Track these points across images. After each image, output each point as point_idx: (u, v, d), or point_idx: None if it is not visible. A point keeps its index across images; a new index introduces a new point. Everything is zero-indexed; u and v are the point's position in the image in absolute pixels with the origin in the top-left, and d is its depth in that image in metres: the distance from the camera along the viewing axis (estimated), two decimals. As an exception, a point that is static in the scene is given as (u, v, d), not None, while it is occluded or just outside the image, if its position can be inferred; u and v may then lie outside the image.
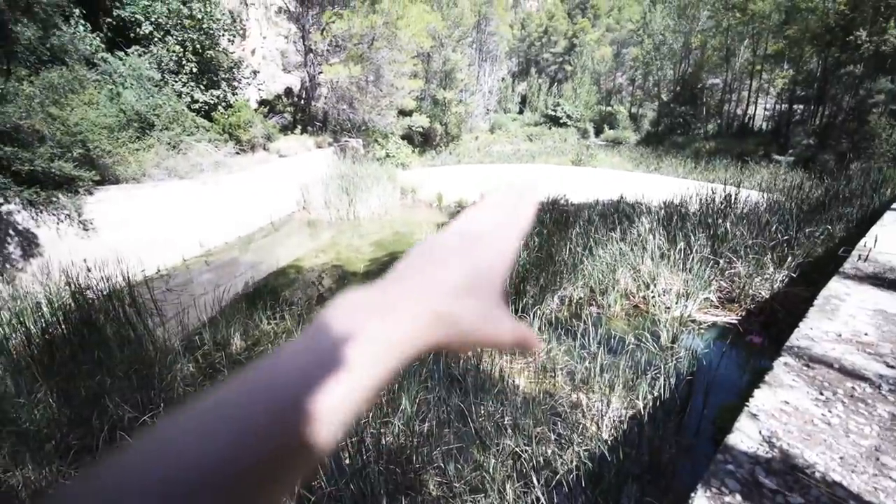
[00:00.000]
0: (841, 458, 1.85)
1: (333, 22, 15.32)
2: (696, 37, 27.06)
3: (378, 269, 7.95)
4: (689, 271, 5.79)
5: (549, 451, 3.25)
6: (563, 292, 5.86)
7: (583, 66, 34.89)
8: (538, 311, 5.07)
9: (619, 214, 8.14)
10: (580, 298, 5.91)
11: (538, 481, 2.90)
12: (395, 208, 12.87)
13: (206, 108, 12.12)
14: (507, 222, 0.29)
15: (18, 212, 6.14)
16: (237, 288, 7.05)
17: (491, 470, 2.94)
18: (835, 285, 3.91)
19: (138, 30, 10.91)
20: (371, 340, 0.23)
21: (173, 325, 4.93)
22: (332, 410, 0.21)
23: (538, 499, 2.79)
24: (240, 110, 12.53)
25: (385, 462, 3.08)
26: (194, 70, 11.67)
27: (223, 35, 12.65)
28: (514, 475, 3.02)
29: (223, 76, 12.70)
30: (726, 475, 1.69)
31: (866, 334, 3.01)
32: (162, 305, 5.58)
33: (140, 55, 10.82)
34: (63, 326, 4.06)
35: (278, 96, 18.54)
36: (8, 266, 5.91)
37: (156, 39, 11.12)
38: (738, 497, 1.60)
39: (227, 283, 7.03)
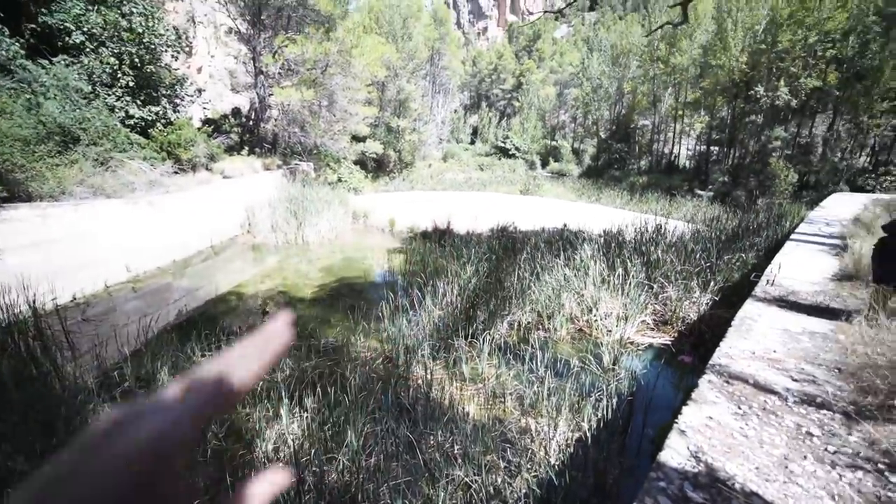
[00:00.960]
0: (756, 468, 2.01)
1: (286, 46, 15.24)
2: (627, 83, 29.94)
3: (327, 295, 7.70)
4: (627, 295, 6.17)
5: (499, 480, 3.23)
6: (513, 317, 5.99)
7: (529, 102, 37.17)
8: (488, 336, 5.13)
9: (563, 241, 8.56)
10: (528, 323, 6.06)
11: (487, 512, 2.86)
12: (347, 233, 12.65)
13: (143, 124, 11.41)
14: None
15: None
16: (168, 317, 6.49)
17: None
18: (748, 307, 4.34)
19: (67, 38, 10.17)
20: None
21: (87, 360, 4.42)
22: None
23: (487, 530, 2.74)
24: (181, 128, 11.91)
25: (327, 501, 2.90)
26: (131, 84, 11.01)
27: (166, 51, 12.12)
28: (463, 507, 2.96)
29: (164, 92, 12.08)
30: (658, 492, 1.78)
31: (775, 351, 3.34)
32: (76, 338, 5.00)
33: (67, 65, 10.05)
34: (-53, 364, 3.50)
35: (225, 116, 17.89)
36: None
37: (87, 50, 10.41)
38: (670, 512, 1.68)
39: (157, 312, 6.45)
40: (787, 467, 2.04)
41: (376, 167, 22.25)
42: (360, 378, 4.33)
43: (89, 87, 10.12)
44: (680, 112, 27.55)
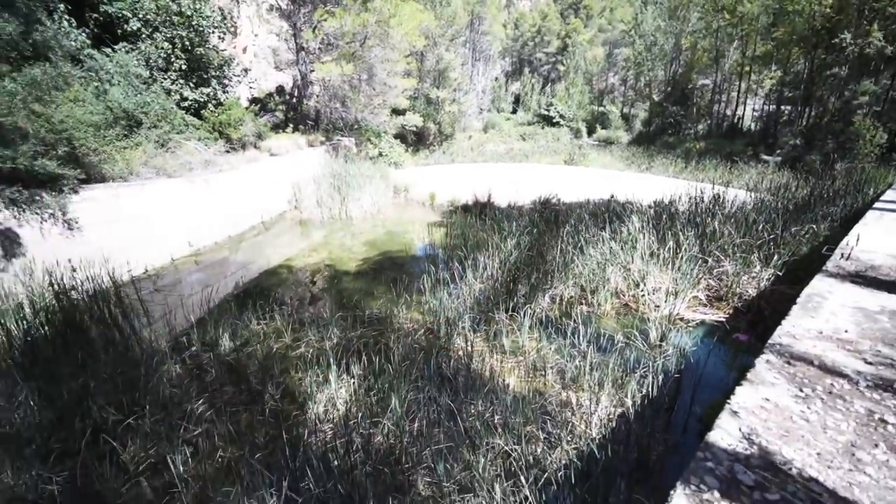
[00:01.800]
0: (818, 454, 1.88)
1: (325, 20, 15.22)
2: (686, 38, 27.30)
3: (370, 268, 7.93)
4: (678, 270, 5.85)
5: (539, 450, 3.27)
6: (554, 291, 5.89)
7: (575, 66, 35.03)
8: (529, 310, 5.09)
9: (609, 213, 8.19)
10: (571, 297, 5.94)
11: (527, 480, 2.92)
12: (388, 207, 12.84)
13: (196, 106, 11.98)
14: None
15: (0, 211, 6.03)
16: (227, 288, 6.99)
17: (480, 469, 2.95)
18: (817, 283, 3.97)
19: (126, 26, 10.74)
20: None
21: (160, 326, 4.88)
22: None
23: (527, 498, 2.80)
24: (230, 108, 12.40)
25: (374, 463, 3.08)
26: (183, 67, 11.52)
27: (213, 32, 12.50)
28: (503, 474, 3.04)
29: (213, 74, 12.56)
30: (706, 472, 1.71)
31: (846, 331, 3.06)
32: (149, 306, 5.51)
33: (128, 52, 10.65)
34: (46, 328, 4.00)
35: (270, 94, 18.39)
36: (-9, 266, 5.80)
37: (144, 36, 10.96)
38: (717, 494, 1.62)
39: (217, 284, 6.97)
40: (853, 455, 1.90)
41: (416, 140, 22.16)
42: (403, 348, 4.48)
43: (147, 73, 10.71)
44: (746, 68, 24.90)
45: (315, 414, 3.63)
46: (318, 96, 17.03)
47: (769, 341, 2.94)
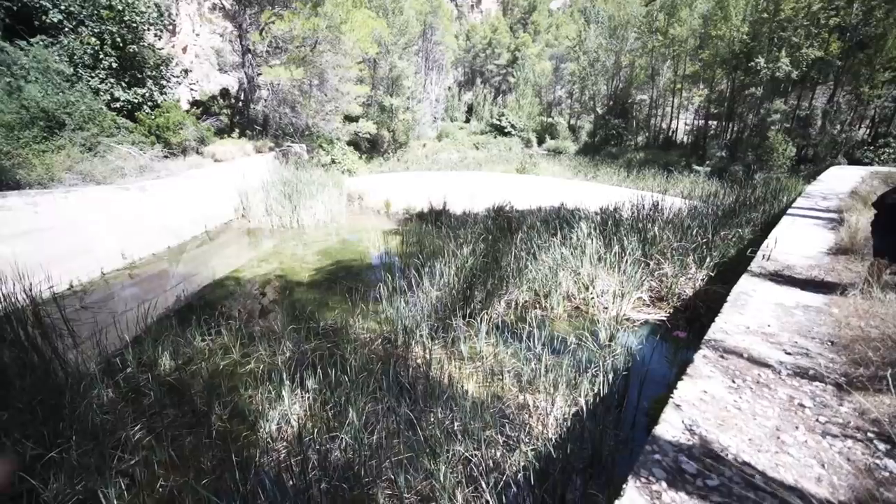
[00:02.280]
0: (749, 439, 2.06)
1: (273, 22, 14.76)
2: (625, 55, 29.29)
3: (324, 278, 7.70)
4: (624, 273, 6.20)
5: (498, 454, 3.31)
6: (510, 296, 6.02)
7: (525, 78, 36.40)
8: (485, 316, 5.17)
9: (560, 220, 8.54)
10: (525, 302, 6.11)
11: (487, 485, 2.94)
12: (342, 215, 12.57)
13: (130, 107, 11.14)
14: None
15: None
16: (167, 302, 6.50)
17: (441, 478, 2.94)
18: (744, 283, 4.37)
19: (45, 17, 9.81)
20: None
21: (89, 347, 4.44)
22: None
23: (488, 502, 2.82)
24: (169, 111, 11.65)
25: (331, 479, 2.97)
26: (114, 65, 10.69)
27: (148, 29, 11.73)
28: (464, 481, 3.04)
29: (149, 73, 11.76)
30: (654, 464, 1.82)
31: (769, 325, 3.39)
32: (75, 325, 5.00)
33: (47, 46, 9.72)
34: (-54, 355, 3.51)
35: (213, 97, 17.48)
36: None
37: (66, 29, 10.06)
38: (664, 484, 1.73)
39: (155, 298, 6.45)
40: (779, 438, 2.10)
41: (370, 148, 21.95)
42: (360, 359, 4.38)
43: (71, 69, 9.83)
44: (678, 85, 27.10)
45: (267, 433, 3.45)
46: (266, 101, 16.41)
47: (705, 337, 3.19)
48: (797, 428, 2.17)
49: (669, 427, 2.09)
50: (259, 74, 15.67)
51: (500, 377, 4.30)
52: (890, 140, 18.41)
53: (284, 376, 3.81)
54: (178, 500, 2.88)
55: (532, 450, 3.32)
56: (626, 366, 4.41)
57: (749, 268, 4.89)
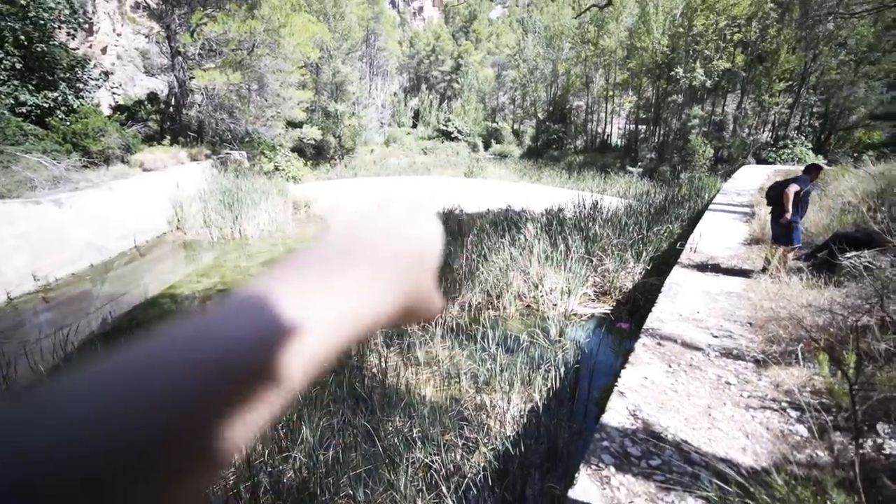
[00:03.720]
0: (686, 418, 2.24)
1: (205, 24, 13.95)
2: (561, 64, 30.89)
3: (271, 291, 7.35)
4: (570, 270, 6.50)
5: (458, 457, 3.32)
6: (463, 298, 6.10)
7: (469, 84, 37.22)
8: (439, 319, 5.19)
9: (507, 222, 8.79)
10: (479, 303, 6.21)
11: (448, 490, 2.95)
12: (288, 224, 12.08)
13: (39, 112, 10.01)
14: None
15: None
16: (90, 327, 5.89)
17: (402, 487, 2.90)
18: (675, 274, 4.75)
19: (-73, 12, 8.60)
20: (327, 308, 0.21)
21: (-6, 384, 3.91)
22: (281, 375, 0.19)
23: (449, 506, 2.83)
24: (87, 116, 10.61)
25: (285, 502, 2.84)
26: (17, 66, 9.58)
27: (59, 27, 10.63)
28: (425, 488, 3.03)
29: (62, 76, 10.65)
30: (603, 451, 1.93)
31: (698, 312, 3.71)
32: (-24, 360, 4.39)
33: (-70, 44, 8.51)
34: None
35: (140, 102, 16.17)
36: None
37: (-45, 26, 8.88)
38: (612, 469, 1.83)
39: (76, 323, 5.82)
40: (710, 415, 2.30)
41: (316, 154, 21.33)
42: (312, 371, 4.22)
43: (-37, 70, 8.68)
44: (610, 93, 28.96)
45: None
46: (200, 106, 15.43)
47: (644, 326, 3.42)
48: (725, 404, 2.40)
49: (615, 414, 2.22)
50: (192, 78, 14.70)
51: (457, 380, 4.34)
52: (787, 142, 20.90)
53: (230, 397, 3.58)
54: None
55: (491, 450, 3.37)
56: (575, 359, 4.62)
57: (679, 260, 5.32)
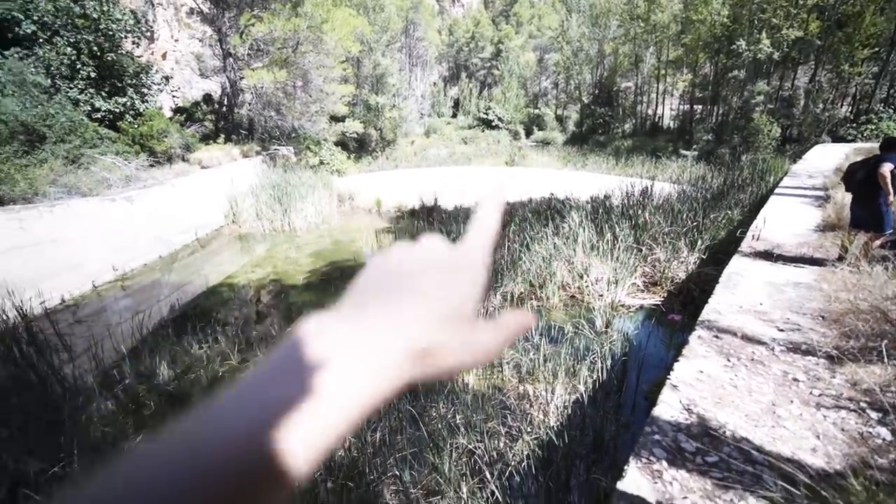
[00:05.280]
0: (746, 415, 2.11)
1: (253, 25, 14.57)
2: (608, 44, 29.37)
3: (319, 280, 7.68)
4: (617, 259, 6.25)
5: (501, 445, 3.34)
6: (505, 289, 6.06)
7: (510, 70, 36.36)
8: (481, 310, 5.19)
9: (551, 211, 8.58)
10: (521, 293, 6.14)
11: (492, 475, 2.97)
12: (333, 217, 12.51)
13: (111, 117, 10.96)
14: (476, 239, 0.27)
15: None
16: (161, 312, 6.44)
17: (446, 471, 2.96)
18: (735, 263, 4.44)
19: (17, 29, 9.59)
20: (346, 374, 0.20)
21: (85, 361, 4.39)
22: (302, 447, 0.19)
23: (493, 493, 2.85)
24: (151, 119, 11.48)
25: (336, 479, 2.99)
26: (92, 75, 10.51)
27: (126, 37, 11.53)
28: (469, 473, 3.07)
29: (129, 82, 11.57)
30: (654, 444, 1.86)
31: (761, 304, 3.45)
32: (70, 339, 4.95)
33: (21, 58, 9.52)
34: (-61, 376, 3.46)
35: (196, 103, 17.25)
36: None
37: (41, 41, 9.85)
38: (665, 463, 1.76)
39: (149, 308, 6.40)
40: (774, 412, 2.15)
41: (358, 147, 21.83)
42: (360, 359, 4.37)
43: (48, 81, 9.64)
44: (662, 71, 27.23)
45: (270, 437, 3.44)
46: (250, 104, 16.23)
47: (699, 318, 3.24)
48: (792, 402, 2.23)
49: (668, 408, 2.12)
50: (242, 78, 15.48)
51: (500, 369, 4.34)
52: (871, 117, 18.68)
53: (285, 380, 3.80)
54: None
55: (534, 439, 3.36)
56: (623, 351, 4.47)
57: (739, 248, 4.96)
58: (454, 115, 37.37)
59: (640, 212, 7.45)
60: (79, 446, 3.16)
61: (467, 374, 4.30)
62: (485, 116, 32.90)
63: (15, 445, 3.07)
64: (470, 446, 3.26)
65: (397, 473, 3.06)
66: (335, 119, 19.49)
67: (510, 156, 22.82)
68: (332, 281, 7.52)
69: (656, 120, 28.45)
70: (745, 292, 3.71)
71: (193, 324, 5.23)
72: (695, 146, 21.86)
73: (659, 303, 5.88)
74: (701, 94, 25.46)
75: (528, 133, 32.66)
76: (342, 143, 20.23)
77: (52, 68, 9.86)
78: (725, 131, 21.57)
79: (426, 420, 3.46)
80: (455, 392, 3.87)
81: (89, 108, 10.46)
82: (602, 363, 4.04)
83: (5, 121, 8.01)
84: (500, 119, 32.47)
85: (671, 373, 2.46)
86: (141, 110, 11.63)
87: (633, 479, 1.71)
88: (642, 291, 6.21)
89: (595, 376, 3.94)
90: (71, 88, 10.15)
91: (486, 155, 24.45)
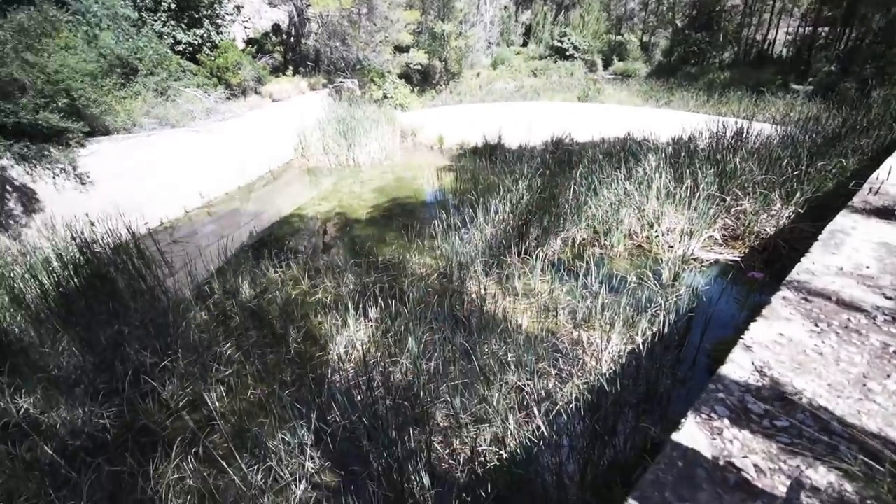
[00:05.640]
0: (829, 384, 1.93)
1: (318, -55, 13.94)
2: (717, -50, 24.51)
3: (381, 215, 7.93)
4: (695, 209, 5.72)
5: (550, 385, 3.42)
6: (567, 234, 5.85)
7: (592, -11, 32.01)
8: (541, 253, 5.10)
9: (625, 153, 7.90)
10: (583, 239, 5.91)
11: (539, 411, 3.08)
12: (396, 152, 12.54)
13: (191, 49, 11.44)
14: None
15: (12, 167, 6.04)
16: (242, 238, 7.09)
17: (495, 402, 3.12)
18: (841, 220, 3.86)
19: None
20: None
21: (182, 276, 5.03)
22: None
23: (539, 427, 2.98)
24: (226, 51, 11.82)
25: (394, 398, 3.27)
26: (172, 6, 10.86)
27: (199, -36, 11.60)
28: (517, 407, 3.21)
29: (204, 13, 11.83)
30: (716, 402, 1.78)
31: (868, 267, 3.01)
32: (169, 257, 5.66)
33: (112, -9, 10.01)
34: (75, 280, 4.15)
35: (266, 34, 17.38)
36: (12, 222, 5.93)
37: (127, -28, 10.24)
38: (726, 421, 1.69)
39: (231, 234, 7.07)
40: (864, 385, 1.94)
41: (422, 80, 21.09)
42: (418, 292, 4.58)
43: (136, 14, 10.14)
44: (783, -16, 22.53)
45: (337, 355, 3.81)
46: (316, 34, 16.05)
47: (787, 278, 2.92)
48: (888, 376, 1.99)
49: (737, 367, 2.00)
50: (308, 6, 15.20)
51: (555, 313, 4.32)
52: None
53: (349, 306, 4.11)
54: (266, 406, 3.34)
55: (584, 383, 3.39)
56: (689, 307, 4.22)
57: (850, 202, 4.29)
58: (524, 44, 34.36)
59: (729, 156, 6.62)
60: (182, 347, 3.72)
61: (521, 317, 4.35)
62: (559, 45, 29.87)
63: (135, 341, 3.69)
64: (519, 383, 3.37)
65: (448, 400, 3.28)
66: (399, 49, 18.77)
67: (584, 90, 20.87)
68: (393, 217, 7.72)
69: (765, 47, 24.14)
70: (849, 253, 3.25)
71: (269, 250, 5.71)
72: (811, 79, 18.45)
73: (738, 259, 5.39)
74: (830, 11, 20.93)
75: (607, 64, 29.39)
76: (406, 76, 19.63)
77: (138, 1, 10.31)
78: (856, 60, 17.82)
79: (478, 355, 3.61)
80: (508, 332, 3.96)
81: (172, 41, 10.96)
82: (664, 317, 3.86)
83: (104, 55, 8.67)
84: (575, 48, 29.34)
85: (745, 333, 2.29)
86: (217, 42, 11.97)
87: (690, 432, 1.67)
88: (720, 245, 5.70)
89: (655, 329, 3.80)
90: (155, 21, 10.62)
91: (556, 89, 22.58)
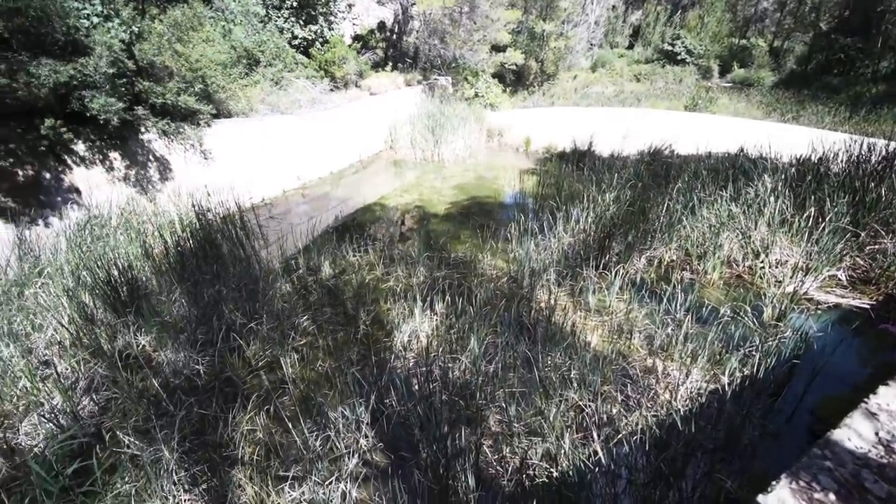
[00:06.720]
0: (985, 479, 1.53)
1: (429, -54, 14.39)
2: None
3: (458, 212, 8.01)
4: (816, 242, 4.93)
5: (614, 410, 3.19)
6: (653, 252, 5.40)
7: (716, -14, 28.97)
8: (621, 270, 4.76)
9: (734, 170, 7.06)
10: (672, 261, 5.41)
11: (598, 436, 2.90)
12: (481, 151, 12.58)
13: (305, 44, 12.51)
14: None
15: (155, 140, 7.13)
16: (328, 220, 7.63)
17: (551, 417, 2.99)
18: None
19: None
20: None
21: (274, 249, 5.55)
22: None
23: (596, 452, 2.80)
24: (335, 46, 12.74)
25: (450, 393, 3.29)
26: (294, 5, 11.97)
27: (321, -34, 12.62)
28: (574, 426, 3.05)
29: (320, 11, 12.86)
30: (821, 471, 1.51)
31: None
32: (265, 231, 6.28)
33: (247, -9, 11.30)
34: (190, 241, 4.79)
35: (371, 31, 18.42)
36: (150, 187, 7.02)
37: (261, -27, 11.48)
38: (832, 497, 1.42)
39: (320, 216, 7.65)
40: None
41: (515, 80, 20.84)
42: (485, 293, 4.55)
43: (263, 11, 11.34)
44: (975, -20, 18.41)
45: (400, 342, 3.94)
46: (417, 32, 16.65)
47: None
48: None
49: (853, 435, 1.68)
50: (413, 4, 15.80)
51: (629, 336, 4.02)
52: None
53: (418, 297, 4.21)
54: (331, 379, 3.56)
55: (653, 416, 3.11)
56: (794, 352, 3.66)
57: None
58: (630, 46, 32.29)
59: (872, 185, 5.59)
60: (266, 312, 4.11)
61: (591, 334, 4.11)
62: (670, 48, 27.58)
63: (230, 302, 4.15)
64: (580, 402, 3.20)
65: (504, 406, 3.21)
66: (496, 49, 18.73)
67: (692, 98, 19.04)
68: (470, 215, 7.76)
69: (939, 56, 19.95)
70: None
71: (350, 234, 6.07)
72: None
73: (867, 306, 4.55)
74: None
75: (725, 71, 26.49)
76: (499, 75, 19.54)
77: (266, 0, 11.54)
78: None
79: (539, 366, 3.48)
80: (574, 347, 3.77)
81: (290, 36, 12.09)
82: (760, 359, 3.40)
83: (234, 47, 9.85)
84: (689, 52, 26.86)
85: (870, 396, 1.91)
86: (328, 38, 12.97)
87: (782, 497, 1.44)
88: (844, 287, 4.86)
89: (747, 371, 3.36)
90: (278, 17, 11.80)
91: (661, 96, 20.92)
